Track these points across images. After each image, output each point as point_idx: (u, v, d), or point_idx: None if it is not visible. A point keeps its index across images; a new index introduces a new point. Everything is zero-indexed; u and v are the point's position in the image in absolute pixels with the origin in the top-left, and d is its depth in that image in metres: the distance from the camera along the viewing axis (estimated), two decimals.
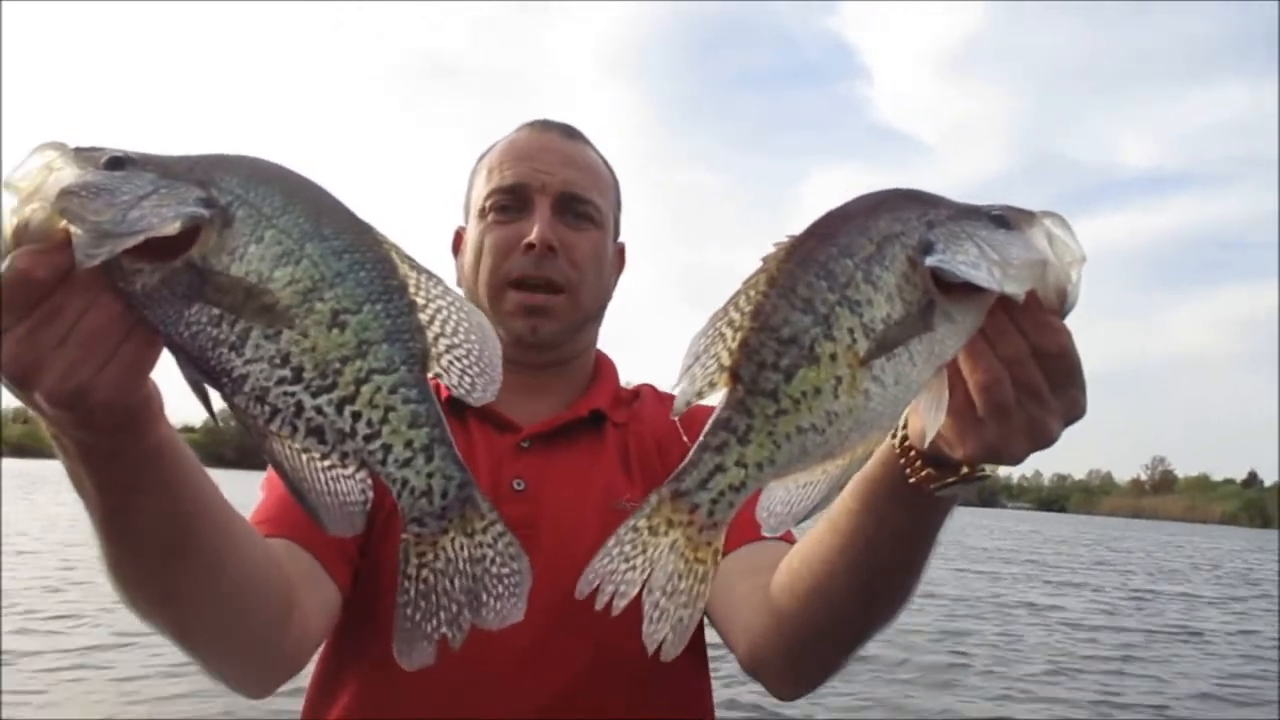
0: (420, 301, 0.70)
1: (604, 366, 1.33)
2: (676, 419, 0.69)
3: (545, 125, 1.25)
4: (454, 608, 0.69)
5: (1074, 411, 0.70)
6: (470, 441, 1.19)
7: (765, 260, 0.69)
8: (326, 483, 0.68)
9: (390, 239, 0.72)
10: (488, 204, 1.21)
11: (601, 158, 1.29)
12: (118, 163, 0.68)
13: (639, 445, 1.24)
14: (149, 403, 0.72)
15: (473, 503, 0.70)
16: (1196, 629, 11.45)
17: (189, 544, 0.80)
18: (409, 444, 0.68)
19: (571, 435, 1.21)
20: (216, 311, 0.66)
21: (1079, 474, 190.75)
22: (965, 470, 0.74)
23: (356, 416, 0.67)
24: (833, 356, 0.67)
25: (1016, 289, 0.67)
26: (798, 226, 0.70)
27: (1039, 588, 15.24)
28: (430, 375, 0.70)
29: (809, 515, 0.68)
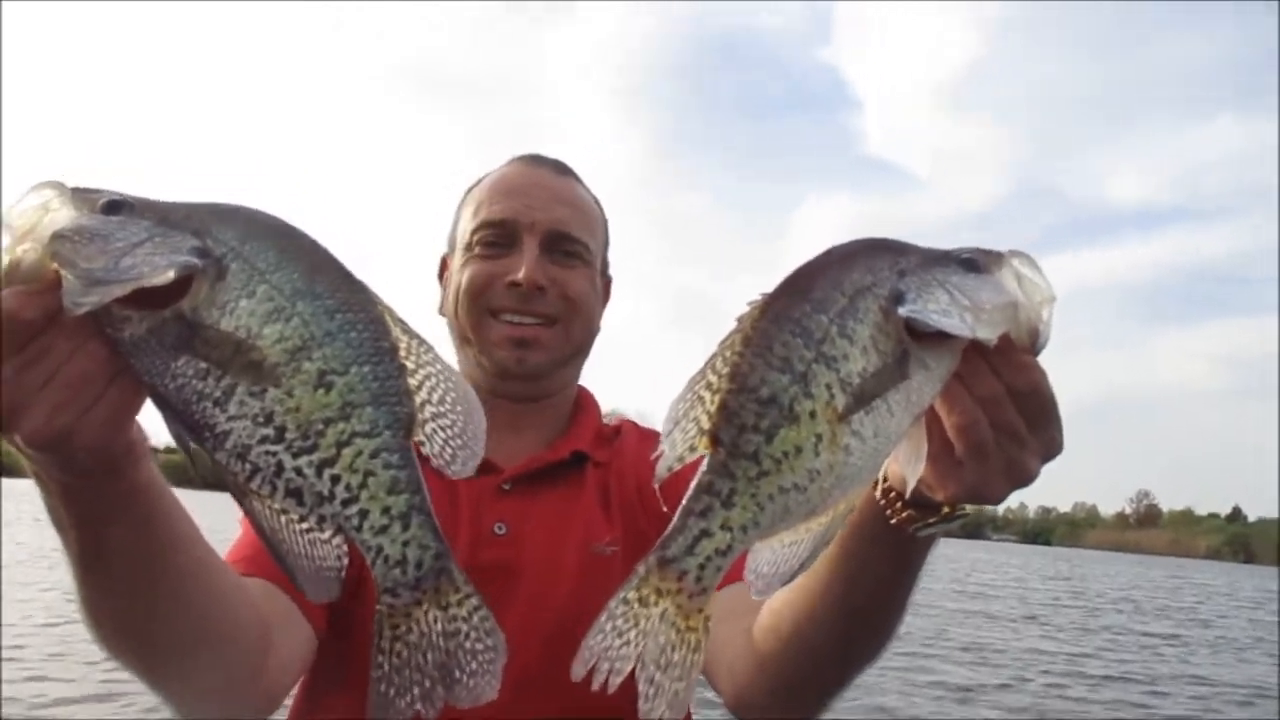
0: (410, 366, 0.69)
1: (585, 402, 1.31)
2: (658, 486, 0.67)
3: (536, 160, 1.24)
4: (427, 683, 0.67)
5: (1051, 449, 0.70)
6: (452, 484, 1.16)
7: (740, 320, 0.68)
8: (304, 546, 0.67)
9: (383, 300, 0.71)
10: (475, 238, 1.19)
11: (591, 195, 1.28)
12: (115, 207, 0.67)
13: (619, 485, 1.23)
14: (132, 448, 0.71)
15: (448, 574, 0.69)
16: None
17: (160, 579, 0.79)
18: (386, 510, 0.67)
19: (553, 477, 1.19)
20: (204, 365, 0.65)
21: (1064, 507, 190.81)
22: (946, 510, 0.73)
23: (335, 480, 0.66)
24: (812, 414, 0.67)
25: (989, 334, 0.67)
26: (786, 254, 0.70)
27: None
28: (414, 440, 0.69)
29: (796, 575, 0.68)
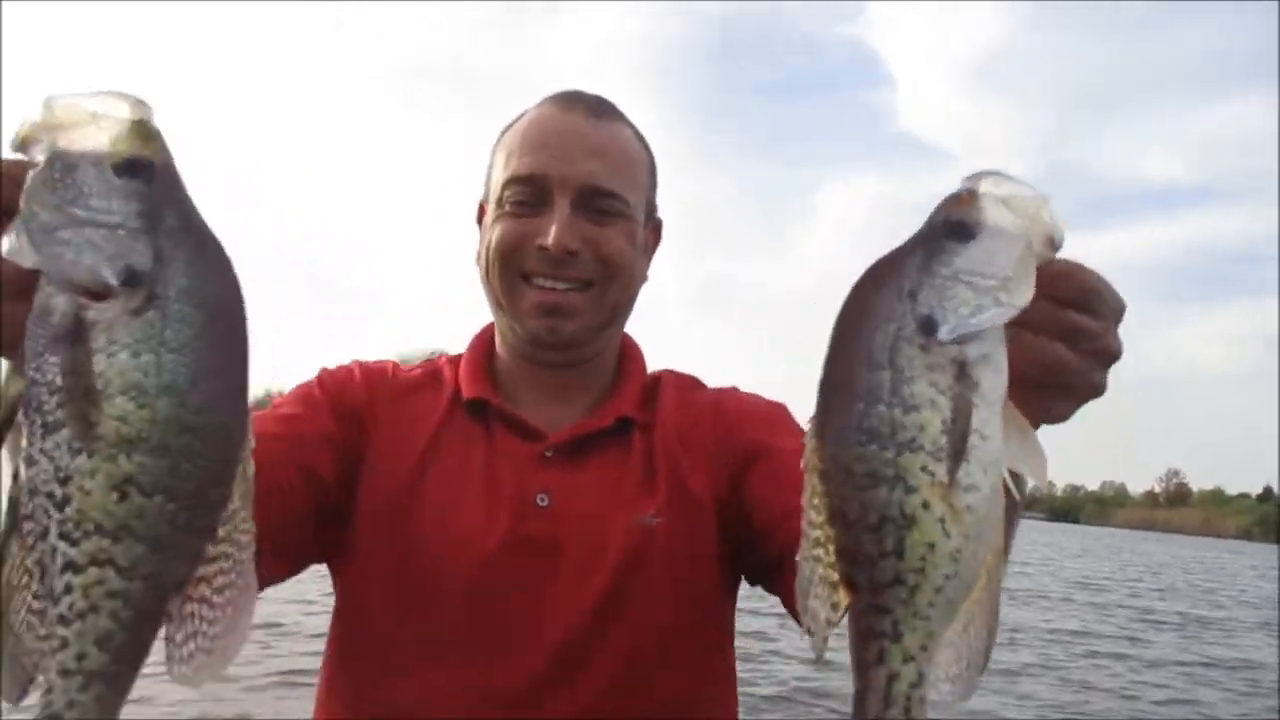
0: (220, 534, 0.61)
1: (630, 354, 1.23)
2: (817, 660, 0.63)
3: (571, 102, 1.14)
4: None
5: (1120, 309, 0.66)
6: (494, 449, 1.12)
7: (805, 463, 0.64)
8: (23, 622, 0.60)
9: (250, 460, 0.63)
10: (505, 194, 1.11)
11: (632, 134, 1.18)
12: (132, 168, 0.61)
13: (663, 443, 1.16)
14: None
15: None
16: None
17: None
18: (81, 657, 0.59)
19: (596, 446, 1.13)
20: (58, 379, 0.59)
21: (1092, 485, 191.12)
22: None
23: (69, 589, 0.59)
24: (925, 505, 0.62)
25: (1027, 294, 0.63)
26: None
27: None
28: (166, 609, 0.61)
29: (987, 655, 0.63)
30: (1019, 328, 0.64)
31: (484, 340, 1.21)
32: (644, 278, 1.20)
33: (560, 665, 1.05)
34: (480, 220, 1.20)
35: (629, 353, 1.24)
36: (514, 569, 1.06)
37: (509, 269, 1.11)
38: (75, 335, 0.59)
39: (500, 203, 1.12)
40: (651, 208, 1.21)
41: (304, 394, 1.14)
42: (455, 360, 1.20)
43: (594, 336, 1.15)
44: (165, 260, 0.60)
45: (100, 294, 0.60)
